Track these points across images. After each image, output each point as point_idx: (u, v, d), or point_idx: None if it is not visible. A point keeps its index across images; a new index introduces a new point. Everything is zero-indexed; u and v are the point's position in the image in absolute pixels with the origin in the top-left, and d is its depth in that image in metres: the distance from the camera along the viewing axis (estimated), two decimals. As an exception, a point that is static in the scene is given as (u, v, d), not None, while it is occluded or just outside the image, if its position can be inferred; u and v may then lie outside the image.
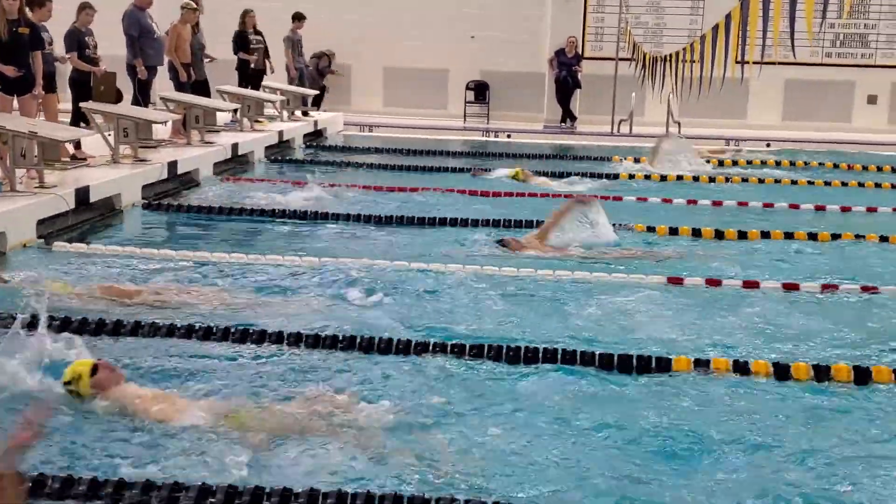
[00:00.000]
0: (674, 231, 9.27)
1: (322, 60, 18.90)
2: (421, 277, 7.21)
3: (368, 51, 19.31)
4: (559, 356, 5.54)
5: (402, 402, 4.86)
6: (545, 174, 12.63)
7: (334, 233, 9.05)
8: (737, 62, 16.69)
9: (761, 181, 12.84)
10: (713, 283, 7.40)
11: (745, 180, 12.79)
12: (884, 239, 9.04)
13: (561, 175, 12.62)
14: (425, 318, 6.34)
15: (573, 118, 18.65)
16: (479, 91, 19.48)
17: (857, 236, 9.15)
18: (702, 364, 5.49)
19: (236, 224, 9.41)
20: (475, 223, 9.28)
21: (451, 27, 19.18)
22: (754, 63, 16.64)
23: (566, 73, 18.46)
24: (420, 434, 4.55)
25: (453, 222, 9.30)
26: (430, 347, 5.63)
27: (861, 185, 12.59)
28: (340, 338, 5.73)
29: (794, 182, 12.82)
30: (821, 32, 17.88)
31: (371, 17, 19.17)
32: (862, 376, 5.42)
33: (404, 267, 7.45)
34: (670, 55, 17.45)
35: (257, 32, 16.04)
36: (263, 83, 16.18)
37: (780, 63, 17.66)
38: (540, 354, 5.54)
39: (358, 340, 5.69)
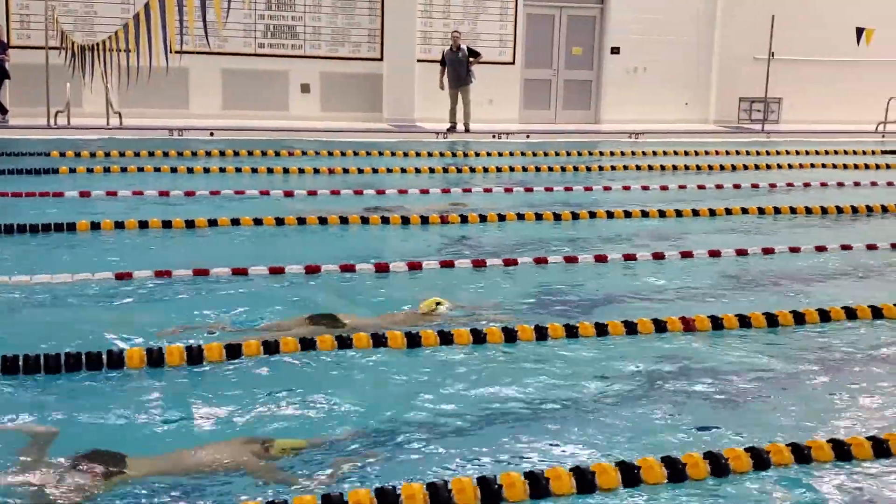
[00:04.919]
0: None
1: None
2: None
3: None
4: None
5: None
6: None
7: None
8: (177, 52, 16.55)
9: (207, 170, 12.97)
10: (162, 274, 7.49)
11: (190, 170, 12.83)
12: (305, 220, 9.67)
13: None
14: None
15: (4, 111, 17.22)
16: None
17: (300, 219, 9.67)
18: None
19: None
20: None
21: None
22: (181, 52, 16.67)
23: (-9, 62, 16.99)
24: None
25: None
26: None
27: (301, 170, 13.25)
28: None
29: (238, 170, 13.12)
30: (253, 23, 18.50)
31: None
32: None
33: None
34: (97, 44, 16.74)
35: None
36: None
37: (214, 53, 17.95)
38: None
39: None
